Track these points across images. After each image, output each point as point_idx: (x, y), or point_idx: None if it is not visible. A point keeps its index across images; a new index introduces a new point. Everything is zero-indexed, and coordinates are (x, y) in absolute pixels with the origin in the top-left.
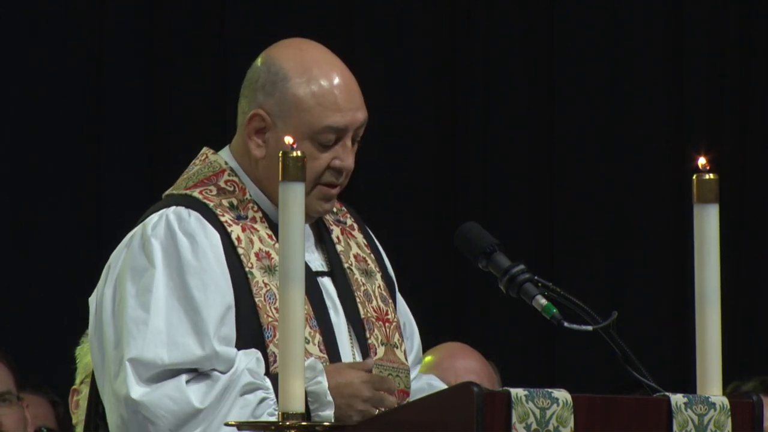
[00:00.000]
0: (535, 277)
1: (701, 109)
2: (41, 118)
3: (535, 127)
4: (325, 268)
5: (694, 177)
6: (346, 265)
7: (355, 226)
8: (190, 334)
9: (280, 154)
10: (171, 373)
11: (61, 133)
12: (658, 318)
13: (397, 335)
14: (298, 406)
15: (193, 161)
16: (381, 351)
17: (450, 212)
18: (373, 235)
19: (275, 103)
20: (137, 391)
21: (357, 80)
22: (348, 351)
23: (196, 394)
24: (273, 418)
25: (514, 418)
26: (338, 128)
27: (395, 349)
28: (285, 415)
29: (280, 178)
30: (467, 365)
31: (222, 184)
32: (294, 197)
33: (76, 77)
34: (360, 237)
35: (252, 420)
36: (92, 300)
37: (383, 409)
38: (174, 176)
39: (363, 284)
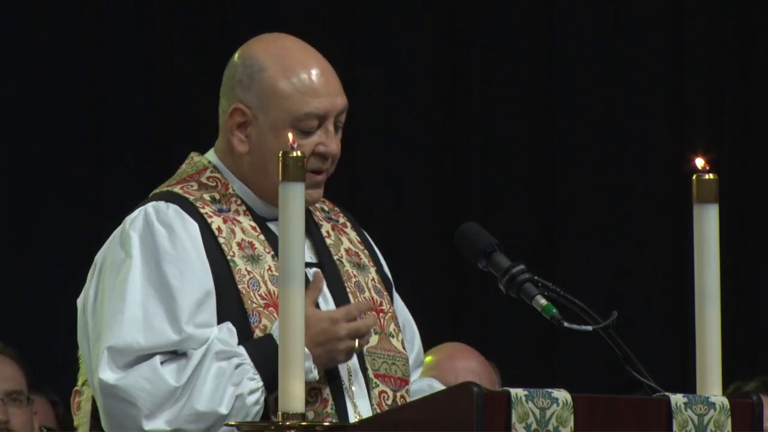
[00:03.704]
0: (535, 277)
1: (701, 109)
2: (41, 118)
3: (536, 127)
4: (313, 260)
5: (694, 177)
6: (335, 257)
7: (348, 224)
8: (166, 320)
9: (280, 154)
10: (147, 357)
11: (60, 133)
12: (658, 318)
13: (393, 325)
14: (298, 406)
15: (181, 165)
16: (374, 339)
17: (450, 212)
18: (368, 236)
19: (254, 95)
20: (111, 376)
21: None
22: None
23: (171, 373)
24: (254, 383)
25: (514, 418)
26: (319, 114)
27: (391, 338)
28: (285, 415)
29: (279, 178)
30: (467, 365)
31: (203, 180)
32: (294, 197)
33: (76, 76)
34: (353, 234)
35: (250, 421)
36: (79, 301)
37: (367, 339)
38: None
39: (354, 276)
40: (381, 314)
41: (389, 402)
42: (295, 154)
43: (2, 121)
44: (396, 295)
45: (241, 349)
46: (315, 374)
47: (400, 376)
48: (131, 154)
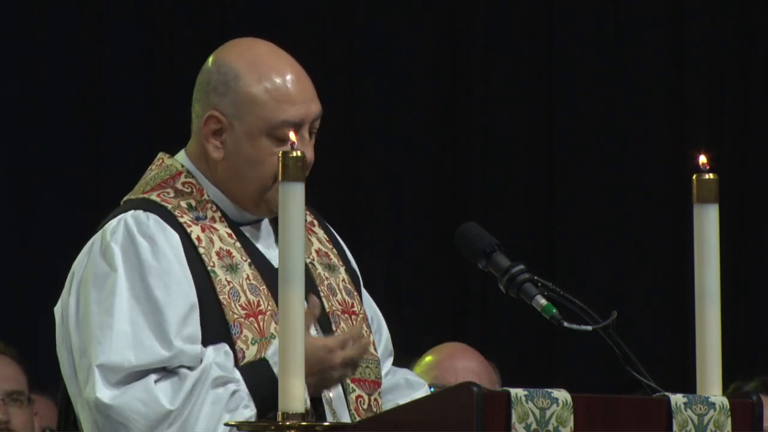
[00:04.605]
0: (535, 277)
1: (701, 108)
2: (41, 118)
3: (536, 127)
4: None
5: (694, 177)
6: (307, 261)
7: (316, 222)
8: (155, 336)
9: (280, 154)
10: (139, 374)
11: (60, 133)
12: (658, 318)
13: (364, 327)
14: (298, 406)
15: (150, 166)
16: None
17: (450, 212)
18: (334, 231)
19: (229, 102)
20: (106, 394)
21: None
22: None
23: (165, 394)
24: (248, 411)
25: (514, 418)
26: (294, 122)
27: None
28: (285, 415)
29: (279, 178)
30: (467, 365)
31: (179, 186)
32: (294, 197)
33: (76, 76)
34: (321, 233)
35: (246, 421)
36: (57, 310)
37: (359, 364)
38: None
39: (326, 278)
40: (353, 316)
41: (365, 406)
42: (295, 154)
43: (2, 121)
44: (362, 290)
45: (237, 374)
46: (308, 403)
47: (374, 379)
48: (131, 154)
